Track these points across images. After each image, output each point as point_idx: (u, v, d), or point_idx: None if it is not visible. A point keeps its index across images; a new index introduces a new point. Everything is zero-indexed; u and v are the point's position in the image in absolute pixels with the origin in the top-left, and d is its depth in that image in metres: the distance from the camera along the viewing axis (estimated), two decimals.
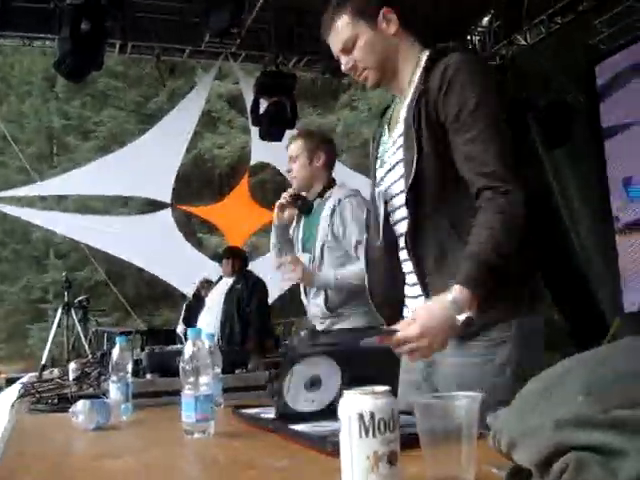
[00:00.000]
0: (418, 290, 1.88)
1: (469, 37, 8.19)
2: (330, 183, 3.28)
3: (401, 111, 1.91)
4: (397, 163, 1.88)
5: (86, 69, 6.10)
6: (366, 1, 1.89)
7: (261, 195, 13.75)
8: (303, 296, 3.31)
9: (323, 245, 3.15)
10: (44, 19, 6.94)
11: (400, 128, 1.88)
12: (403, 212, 1.86)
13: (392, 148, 1.93)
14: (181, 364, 1.57)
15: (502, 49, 7.86)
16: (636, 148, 6.78)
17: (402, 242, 1.90)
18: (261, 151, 9.05)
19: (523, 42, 7.70)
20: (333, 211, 3.13)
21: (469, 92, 1.74)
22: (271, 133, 7.40)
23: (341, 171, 9.97)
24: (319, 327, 3.22)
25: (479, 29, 8.14)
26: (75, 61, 5.76)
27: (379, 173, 1.99)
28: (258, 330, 5.83)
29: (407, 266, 1.92)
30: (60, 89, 18.66)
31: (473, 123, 1.73)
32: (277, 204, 3.26)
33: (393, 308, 1.99)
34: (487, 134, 1.73)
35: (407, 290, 1.97)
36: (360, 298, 2.92)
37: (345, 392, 0.97)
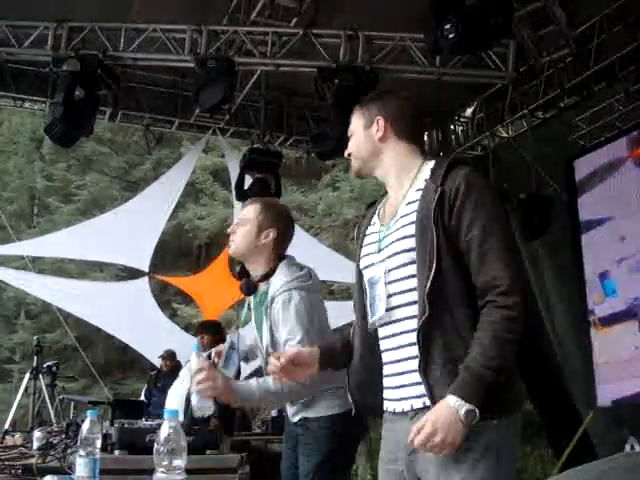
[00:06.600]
0: (400, 380, 1.96)
1: (452, 127, 8.41)
2: (275, 266, 2.91)
3: (401, 207, 2.03)
4: (401, 252, 1.97)
5: (76, 135, 6.14)
6: (368, 105, 2.16)
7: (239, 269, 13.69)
8: None
9: (267, 348, 2.84)
10: (37, 82, 7.07)
11: (403, 221, 1.99)
12: (402, 299, 1.96)
13: (391, 237, 2.02)
14: (155, 445, 1.53)
15: (484, 140, 8.06)
16: (612, 243, 6.90)
17: (394, 328, 1.98)
18: None
19: (505, 134, 7.91)
20: (267, 309, 2.83)
21: (480, 210, 1.90)
22: None
23: (319, 249, 10.07)
24: (290, 410, 3.00)
25: (462, 119, 8.36)
26: (66, 127, 5.78)
27: (372, 258, 2.07)
28: (222, 408, 5.69)
29: (399, 353, 1.98)
30: (46, 150, 18.71)
31: (485, 239, 1.88)
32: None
33: (364, 395, 2.10)
34: (497, 249, 1.87)
35: (387, 381, 2.02)
36: (327, 378, 2.61)
37: None
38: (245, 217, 2.94)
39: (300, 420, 2.93)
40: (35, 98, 7.40)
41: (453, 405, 1.76)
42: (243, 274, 2.98)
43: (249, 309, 3.05)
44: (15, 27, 6.10)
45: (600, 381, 6.85)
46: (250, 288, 2.92)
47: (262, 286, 2.92)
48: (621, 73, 6.25)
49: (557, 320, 7.59)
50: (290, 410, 3.03)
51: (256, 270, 2.93)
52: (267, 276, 2.89)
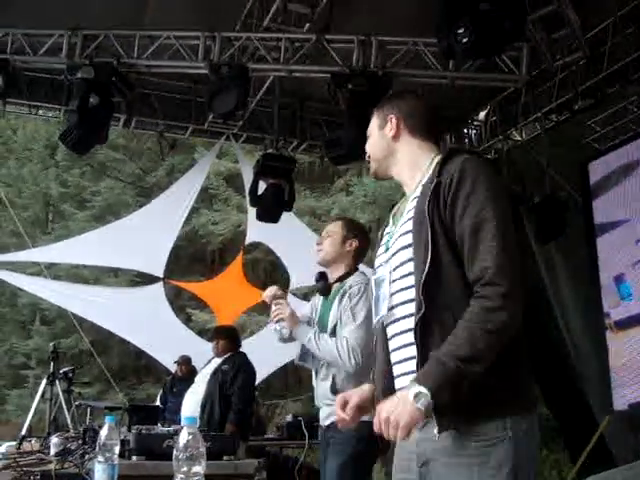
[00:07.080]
0: (404, 381, 1.89)
1: (466, 130, 8.39)
2: (352, 271, 3.43)
3: (408, 204, 2.02)
4: (401, 249, 1.94)
5: (91, 142, 6.18)
6: (383, 106, 2.17)
7: (252, 274, 13.73)
8: (313, 377, 3.40)
9: (333, 328, 3.26)
10: (51, 90, 7.12)
11: (406, 217, 1.97)
12: (401, 297, 1.93)
13: (396, 235, 2.00)
14: (175, 452, 1.53)
15: (498, 143, 8.03)
16: (628, 246, 6.86)
17: (395, 328, 1.96)
18: (256, 231, 9.09)
19: (518, 138, 7.88)
20: (342, 296, 3.28)
21: (472, 198, 1.83)
22: (268, 214, 7.45)
23: None
24: (326, 409, 3.25)
25: (475, 123, 8.34)
26: (81, 134, 5.82)
27: (381, 258, 2.06)
28: (238, 413, 5.70)
29: (401, 353, 1.94)
30: (60, 157, 18.84)
31: (475, 230, 1.81)
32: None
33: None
34: (488, 239, 1.79)
35: (397, 382, 1.98)
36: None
37: None
38: (331, 230, 3.48)
39: (332, 423, 3.13)
40: (50, 105, 7.46)
41: (407, 388, 1.73)
42: (320, 278, 3.43)
43: (312, 312, 3.55)
44: (30, 36, 6.16)
45: (616, 385, 6.81)
46: (327, 290, 3.42)
47: (335, 287, 3.42)
48: (634, 75, 6.22)
49: (572, 323, 7.55)
50: (323, 413, 3.29)
51: (335, 273, 3.45)
52: (342, 278, 3.40)
